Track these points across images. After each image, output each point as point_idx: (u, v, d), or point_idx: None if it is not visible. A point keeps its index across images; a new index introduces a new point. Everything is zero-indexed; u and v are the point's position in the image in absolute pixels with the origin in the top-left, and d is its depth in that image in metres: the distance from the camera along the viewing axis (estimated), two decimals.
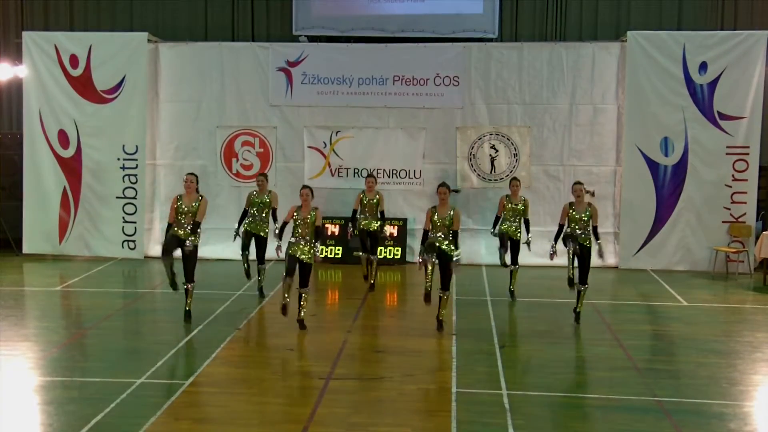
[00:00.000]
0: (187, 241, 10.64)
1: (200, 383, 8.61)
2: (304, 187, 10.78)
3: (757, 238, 14.42)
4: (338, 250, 15.54)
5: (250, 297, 12.43)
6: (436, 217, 10.38)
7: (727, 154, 14.81)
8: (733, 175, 14.81)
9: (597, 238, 10.83)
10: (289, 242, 10.48)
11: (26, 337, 10.30)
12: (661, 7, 16.01)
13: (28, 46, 15.60)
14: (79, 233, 15.77)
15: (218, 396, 8.26)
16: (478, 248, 15.48)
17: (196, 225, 10.76)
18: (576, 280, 10.98)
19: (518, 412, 7.83)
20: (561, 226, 11.14)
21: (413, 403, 8.17)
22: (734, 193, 14.83)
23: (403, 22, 15.81)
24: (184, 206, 10.81)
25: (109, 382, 8.54)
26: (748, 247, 14.72)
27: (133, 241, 15.74)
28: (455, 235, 10.39)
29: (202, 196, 10.95)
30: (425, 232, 10.45)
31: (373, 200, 13.04)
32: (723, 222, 14.93)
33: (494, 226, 12.49)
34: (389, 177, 15.83)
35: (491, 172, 15.65)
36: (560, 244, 11.16)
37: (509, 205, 12.37)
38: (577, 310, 11.09)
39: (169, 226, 10.86)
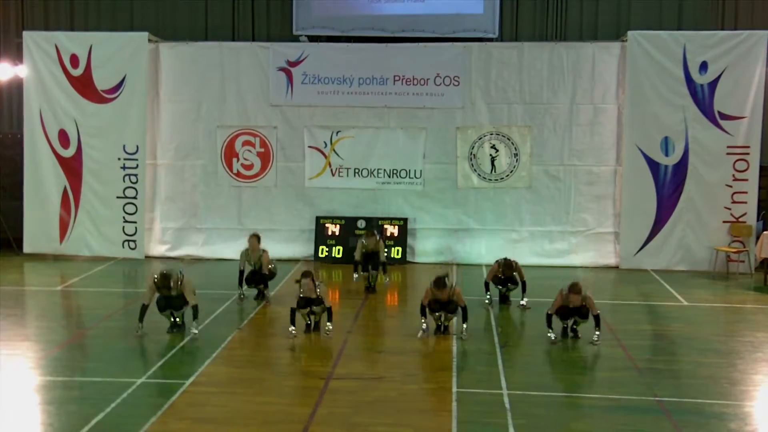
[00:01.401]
0: (193, 331, 10.16)
1: (200, 383, 8.61)
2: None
3: (757, 238, 14.42)
4: (338, 250, 15.53)
5: (250, 297, 12.43)
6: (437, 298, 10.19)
7: (727, 154, 14.81)
8: (733, 175, 14.81)
9: (598, 327, 10.10)
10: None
11: (27, 337, 10.31)
12: (661, 7, 16.00)
13: (29, 45, 15.60)
14: (80, 233, 15.77)
15: (218, 396, 8.26)
16: (478, 248, 15.51)
17: (196, 310, 10.25)
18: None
19: (518, 412, 7.83)
20: (549, 316, 10.23)
21: (414, 403, 8.16)
22: (735, 193, 14.83)
23: (403, 22, 15.81)
24: (165, 294, 10.28)
25: (110, 381, 8.55)
26: (749, 247, 14.72)
27: (134, 241, 15.74)
28: (464, 310, 10.26)
29: (181, 281, 10.26)
30: (423, 307, 10.30)
31: (374, 249, 12.84)
32: (723, 222, 14.93)
33: (486, 290, 12.14)
34: (389, 177, 15.83)
35: (492, 172, 15.65)
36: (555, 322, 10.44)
37: (500, 274, 12.00)
38: (575, 327, 10.51)
39: (143, 307, 10.22)
